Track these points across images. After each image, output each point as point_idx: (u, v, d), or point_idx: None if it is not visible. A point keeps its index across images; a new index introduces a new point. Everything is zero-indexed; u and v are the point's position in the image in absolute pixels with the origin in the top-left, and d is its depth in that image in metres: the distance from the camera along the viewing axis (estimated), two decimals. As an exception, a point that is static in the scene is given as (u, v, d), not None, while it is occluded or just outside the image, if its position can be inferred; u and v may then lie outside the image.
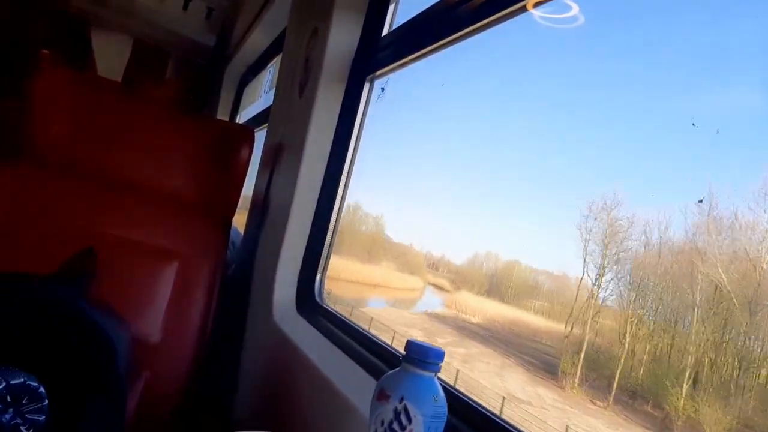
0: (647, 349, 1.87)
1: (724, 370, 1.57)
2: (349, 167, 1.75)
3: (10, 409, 0.96)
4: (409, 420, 0.72)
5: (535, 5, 1.15)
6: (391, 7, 1.74)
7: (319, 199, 1.74)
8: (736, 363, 1.53)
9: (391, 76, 1.70)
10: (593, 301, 2.11)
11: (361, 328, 1.44)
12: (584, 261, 2.08)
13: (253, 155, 1.92)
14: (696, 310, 1.66)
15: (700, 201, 0.96)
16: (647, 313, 1.94)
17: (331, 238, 1.75)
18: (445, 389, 0.76)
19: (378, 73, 1.70)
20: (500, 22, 1.24)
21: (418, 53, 1.51)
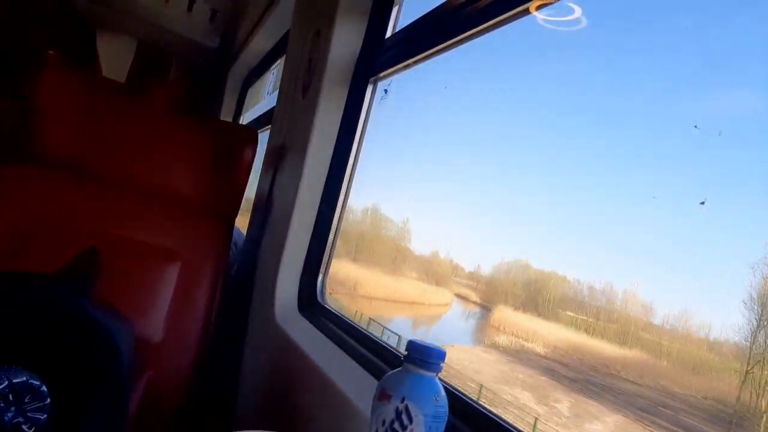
0: None
1: None
2: (352, 169, 1.75)
3: (12, 408, 0.96)
4: (410, 420, 0.72)
5: (539, 8, 1.16)
6: (395, 10, 1.74)
7: (321, 200, 1.75)
8: None
9: (396, 77, 1.70)
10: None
11: (363, 329, 1.44)
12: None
13: (256, 156, 1.93)
14: None
15: (702, 203, 0.95)
16: None
17: (333, 239, 1.76)
18: (446, 389, 0.76)
19: (381, 75, 1.70)
20: (504, 24, 1.25)
21: (422, 55, 1.51)
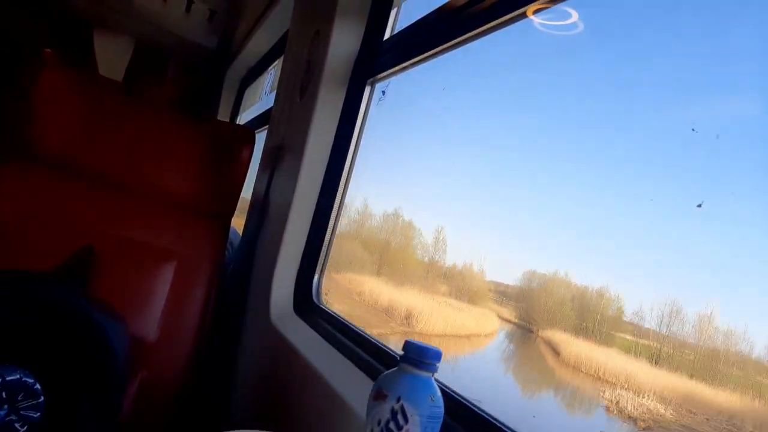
0: None
1: None
2: (349, 170, 1.76)
3: (5, 406, 0.96)
4: (406, 420, 0.72)
5: (536, 12, 1.16)
6: (393, 12, 1.75)
7: (318, 201, 1.75)
8: None
9: (393, 79, 1.70)
10: None
11: (358, 329, 1.44)
12: None
13: (253, 157, 1.93)
14: None
15: (699, 205, 0.96)
16: None
17: (330, 240, 1.76)
18: (441, 390, 0.76)
19: (379, 76, 1.71)
20: (503, 27, 1.25)
21: (420, 57, 1.52)
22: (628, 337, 1.70)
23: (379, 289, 2.67)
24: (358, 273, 2.78)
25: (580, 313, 1.93)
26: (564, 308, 1.99)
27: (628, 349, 1.69)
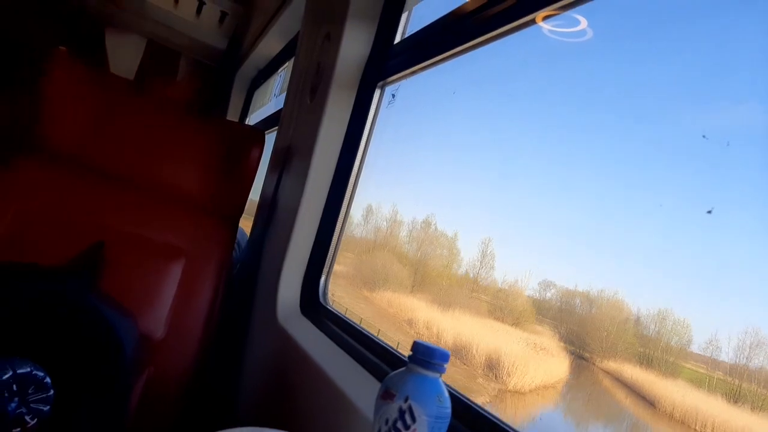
0: None
1: None
2: (358, 173, 1.77)
3: (16, 398, 0.97)
4: (414, 420, 0.72)
5: (545, 18, 1.17)
6: (404, 15, 1.76)
7: (326, 202, 1.76)
8: None
9: (402, 82, 1.71)
10: None
11: (365, 330, 1.45)
12: None
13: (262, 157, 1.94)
14: None
15: (709, 212, 0.96)
16: None
17: (337, 241, 1.77)
18: (448, 391, 0.77)
19: (389, 79, 1.72)
20: (511, 34, 1.26)
21: (430, 61, 1.53)
22: (700, 369, 1.44)
23: (435, 318, 2.25)
24: (397, 292, 2.42)
25: (639, 338, 1.65)
26: (626, 334, 1.69)
27: (700, 383, 1.43)
